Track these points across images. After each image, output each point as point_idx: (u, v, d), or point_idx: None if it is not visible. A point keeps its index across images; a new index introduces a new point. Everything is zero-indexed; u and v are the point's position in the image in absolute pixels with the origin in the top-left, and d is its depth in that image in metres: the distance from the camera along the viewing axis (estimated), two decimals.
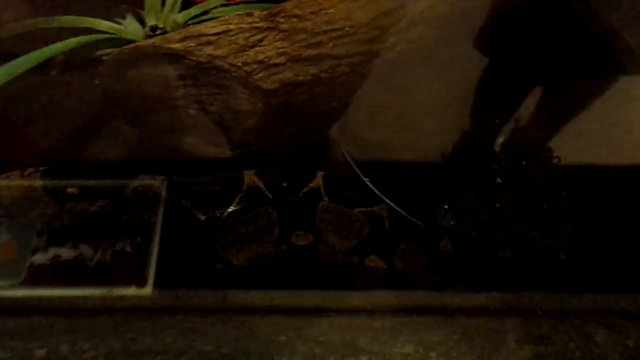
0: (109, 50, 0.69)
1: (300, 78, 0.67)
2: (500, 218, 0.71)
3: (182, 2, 0.84)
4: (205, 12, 0.83)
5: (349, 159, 0.72)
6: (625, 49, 0.79)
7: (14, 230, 0.55)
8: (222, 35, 0.65)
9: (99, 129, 0.71)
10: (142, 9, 0.81)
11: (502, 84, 0.85)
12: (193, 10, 0.82)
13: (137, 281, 0.49)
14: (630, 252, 0.63)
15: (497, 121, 0.84)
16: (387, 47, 0.74)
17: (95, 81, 0.71)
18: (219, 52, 0.64)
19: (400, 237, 0.62)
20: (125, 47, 0.65)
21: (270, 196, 0.62)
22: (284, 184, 0.63)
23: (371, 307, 0.47)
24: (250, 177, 0.63)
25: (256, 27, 0.67)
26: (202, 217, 0.61)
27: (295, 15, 0.69)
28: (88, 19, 0.74)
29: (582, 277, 0.58)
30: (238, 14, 0.69)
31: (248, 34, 0.66)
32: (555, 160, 0.78)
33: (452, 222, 0.70)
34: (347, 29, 0.70)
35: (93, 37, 0.73)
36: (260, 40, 0.66)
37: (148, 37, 0.77)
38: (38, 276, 0.52)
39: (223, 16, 0.73)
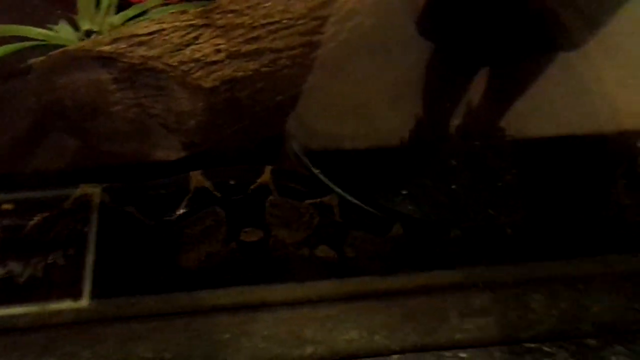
0: (41, 58, 0.67)
1: (241, 74, 0.66)
2: (458, 199, 0.72)
3: (120, 4, 0.82)
4: (143, 13, 0.81)
5: (297, 151, 0.71)
6: (561, 26, 0.81)
7: None
8: (155, 35, 0.64)
9: (38, 139, 0.69)
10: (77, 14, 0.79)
11: (449, 67, 0.86)
12: (130, 12, 0.80)
13: (72, 294, 0.48)
14: (571, 220, 0.65)
15: (448, 104, 0.85)
16: (329, 38, 0.74)
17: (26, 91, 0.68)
18: (152, 52, 0.62)
19: (350, 225, 0.62)
20: (52, 52, 0.63)
21: (219, 195, 0.61)
22: (232, 182, 0.62)
23: (317, 297, 0.47)
24: (197, 177, 0.62)
25: (191, 25, 0.66)
26: (150, 223, 0.60)
27: (232, 11, 0.68)
28: (17, 26, 0.72)
29: (524, 249, 0.59)
30: (172, 12, 0.68)
31: (183, 32, 0.65)
32: (507, 139, 0.79)
33: (410, 207, 0.70)
34: (285, 21, 0.70)
35: (20, 45, 0.70)
36: (196, 38, 0.65)
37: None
38: None
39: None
